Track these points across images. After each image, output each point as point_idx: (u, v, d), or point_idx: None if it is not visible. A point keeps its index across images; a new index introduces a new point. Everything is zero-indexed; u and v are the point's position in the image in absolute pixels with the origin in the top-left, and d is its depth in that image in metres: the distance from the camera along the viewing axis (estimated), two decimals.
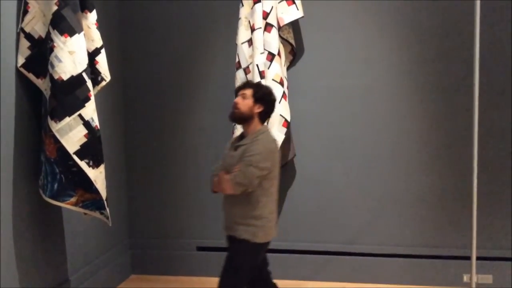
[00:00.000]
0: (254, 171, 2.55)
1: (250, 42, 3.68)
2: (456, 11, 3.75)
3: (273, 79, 3.63)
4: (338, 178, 3.95)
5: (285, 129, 3.66)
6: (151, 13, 4.09)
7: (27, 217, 2.77)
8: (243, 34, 3.70)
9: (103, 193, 2.83)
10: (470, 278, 2.87)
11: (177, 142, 4.12)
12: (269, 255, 2.92)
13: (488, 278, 3.75)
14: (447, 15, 3.77)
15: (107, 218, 2.92)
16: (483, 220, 3.64)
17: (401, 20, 3.82)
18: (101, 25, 3.03)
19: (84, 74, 2.72)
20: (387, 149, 3.89)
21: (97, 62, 2.96)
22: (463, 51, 3.72)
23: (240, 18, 3.71)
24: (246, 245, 2.65)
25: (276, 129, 3.64)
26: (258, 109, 2.69)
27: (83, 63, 2.72)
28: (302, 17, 3.72)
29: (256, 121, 2.71)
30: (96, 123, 2.78)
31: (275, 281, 2.98)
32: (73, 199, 2.78)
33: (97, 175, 2.79)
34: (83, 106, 2.71)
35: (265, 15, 3.63)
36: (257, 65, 3.59)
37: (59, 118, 2.63)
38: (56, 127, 2.63)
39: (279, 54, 3.67)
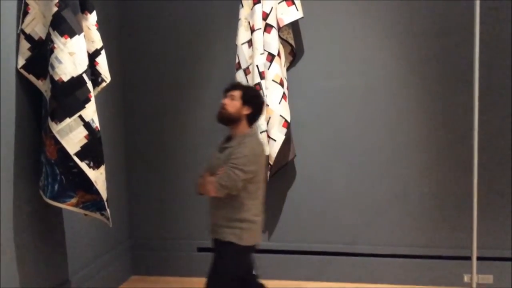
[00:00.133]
0: (239, 174, 2.53)
1: (250, 43, 3.68)
2: (456, 10, 3.75)
3: (273, 80, 3.64)
4: (338, 178, 3.95)
5: (285, 130, 3.67)
6: (151, 14, 4.09)
7: (28, 218, 2.77)
8: (243, 35, 3.70)
9: (103, 194, 2.83)
10: (471, 278, 2.87)
11: (177, 142, 4.12)
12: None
13: (488, 278, 3.75)
14: (447, 15, 3.77)
15: (108, 219, 2.92)
16: (483, 220, 3.63)
17: (401, 20, 3.82)
18: (101, 26, 3.03)
19: (84, 75, 2.71)
20: (387, 149, 3.89)
21: (97, 63, 2.96)
22: (463, 51, 3.72)
23: (240, 19, 3.71)
24: (231, 247, 2.62)
25: (276, 130, 3.65)
26: (246, 111, 2.67)
27: (83, 64, 2.72)
28: (302, 17, 3.72)
29: (243, 123, 2.69)
30: (96, 124, 2.78)
31: (263, 281, 2.96)
32: (73, 200, 2.78)
33: (97, 176, 2.79)
34: (84, 107, 2.71)
35: (265, 16, 3.63)
36: (257, 65, 3.60)
37: (59, 119, 2.63)
38: (56, 128, 2.63)
39: (279, 54, 3.68)
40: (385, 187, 3.90)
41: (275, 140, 3.65)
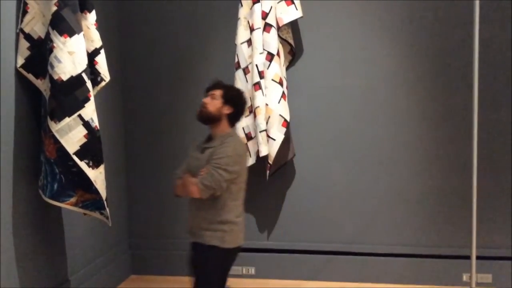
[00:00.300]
0: (223, 174, 2.47)
1: (249, 42, 3.68)
2: (456, 10, 3.75)
3: (272, 79, 3.64)
4: (338, 178, 3.95)
5: (284, 129, 3.66)
6: (150, 13, 4.09)
7: (27, 217, 2.77)
8: (242, 34, 3.70)
9: (103, 193, 2.83)
10: (470, 278, 2.88)
11: (177, 143, 4.12)
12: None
13: (487, 278, 3.76)
14: (447, 14, 3.77)
15: (107, 218, 2.92)
16: (483, 219, 3.64)
17: (401, 20, 3.82)
18: (101, 25, 3.03)
19: (83, 75, 2.71)
20: (386, 149, 3.89)
21: (97, 63, 2.96)
22: (463, 51, 3.72)
23: (239, 18, 3.71)
24: (215, 251, 2.56)
25: (275, 129, 3.65)
26: (227, 110, 2.62)
27: (83, 63, 2.72)
28: (301, 17, 3.72)
29: (224, 123, 2.64)
30: (95, 123, 2.78)
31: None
32: (73, 200, 2.78)
33: (97, 175, 2.79)
34: (83, 106, 2.71)
35: (264, 15, 3.63)
36: (256, 65, 3.60)
37: (58, 118, 2.63)
38: (55, 127, 2.63)
39: (278, 54, 3.68)
40: (384, 186, 3.90)
41: (274, 140, 3.65)
